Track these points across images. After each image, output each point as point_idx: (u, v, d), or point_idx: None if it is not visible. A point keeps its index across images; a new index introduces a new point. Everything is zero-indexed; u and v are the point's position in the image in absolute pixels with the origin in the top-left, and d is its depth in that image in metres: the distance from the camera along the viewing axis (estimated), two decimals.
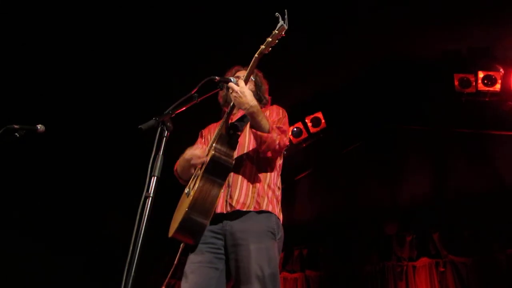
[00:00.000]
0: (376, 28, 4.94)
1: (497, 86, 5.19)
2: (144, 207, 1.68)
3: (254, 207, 2.24)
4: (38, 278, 5.16)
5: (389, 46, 5.28)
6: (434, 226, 5.34)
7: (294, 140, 6.25)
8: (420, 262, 5.27)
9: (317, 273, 5.99)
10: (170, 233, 2.25)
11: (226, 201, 2.26)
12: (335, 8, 4.68)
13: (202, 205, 2.16)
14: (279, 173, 2.51)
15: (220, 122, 2.41)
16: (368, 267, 5.62)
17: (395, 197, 5.92)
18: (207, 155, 2.31)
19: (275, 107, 2.61)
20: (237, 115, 2.52)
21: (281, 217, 2.36)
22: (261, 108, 2.49)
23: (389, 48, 5.33)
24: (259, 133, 2.23)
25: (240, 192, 2.27)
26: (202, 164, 2.30)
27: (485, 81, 5.21)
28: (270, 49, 2.17)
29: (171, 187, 2.49)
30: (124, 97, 5.32)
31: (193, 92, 2.05)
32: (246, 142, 2.42)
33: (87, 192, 5.89)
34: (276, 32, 2.09)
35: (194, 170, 2.40)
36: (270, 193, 2.34)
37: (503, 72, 5.19)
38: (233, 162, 2.26)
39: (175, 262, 2.46)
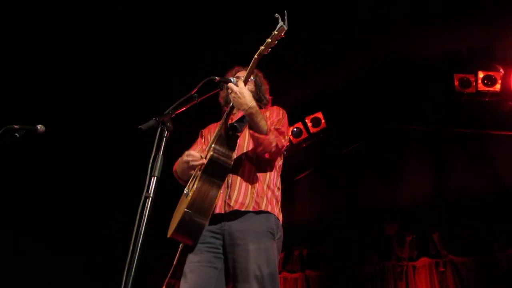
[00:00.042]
0: (376, 28, 4.94)
1: (497, 86, 5.19)
2: (144, 207, 1.69)
3: (253, 207, 2.24)
4: (38, 278, 5.15)
5: (389, 46, 5.28)
6: (434, 226, 5.34)
7: (294, 140, 6.24)
8: (420, 262, 5.27)
9: (317, 273, 5.99)
10: (169, 234, 2.26)
11: (225, 201, 2.26)
12: (335, 8, 4.68)
13: (200, 205, 2.17)
14: (279, 174, 2.51)
15: (220, 123, 2.41)
16: (368, 267, 5.62)
17: (395, 197, 5.92)
18: (206, 155, 2.31)
19: (275, 108, 2.60)
20: (237, 115, 2.51)
21: (280, 217, 2.35)
22: (262, 108, 2.49)
23: (389, 48, 5.33)
24: (256, 134, 2.22)
25: (239, 192, 2.27)
26: (201, 165, 2.30)
27: (485, 81, 5.21)
28: (270, 50, 2.16)
29: (171, 187, 2.49)
30: (124, 97, 5.32)
31: (193, 92, 2.04)
32: (245, 142, 2.42)
33: (87, 192, 5.89)
34: (276, 33, 2.08)
35: (194, 171, 2.40)
36: (269, 193, 2.34)
37: (503, 72, 5.19)
38: (232, 162, 2.26)
39: (175, 262, 2.46)
